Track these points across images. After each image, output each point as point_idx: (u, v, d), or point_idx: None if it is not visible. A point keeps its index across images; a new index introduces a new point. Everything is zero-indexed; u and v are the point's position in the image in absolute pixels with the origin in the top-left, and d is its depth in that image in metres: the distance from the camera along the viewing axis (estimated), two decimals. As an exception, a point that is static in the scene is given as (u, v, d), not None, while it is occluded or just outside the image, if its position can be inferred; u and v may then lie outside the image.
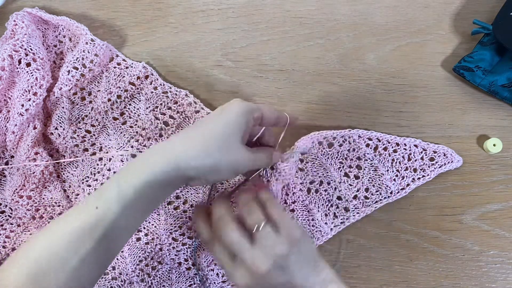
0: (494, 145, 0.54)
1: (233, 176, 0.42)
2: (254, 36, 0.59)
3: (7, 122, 0.53)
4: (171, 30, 0.59)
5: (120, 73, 0.56)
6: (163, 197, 0.41)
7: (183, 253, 0.53)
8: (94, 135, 0.56)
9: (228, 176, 0.41)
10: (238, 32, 0.59)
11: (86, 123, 0.56)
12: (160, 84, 0.56)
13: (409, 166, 0.53)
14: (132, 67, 0.57)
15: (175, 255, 0.52)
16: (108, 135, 0.56)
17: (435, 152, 0.54)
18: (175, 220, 0.53)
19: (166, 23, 0.59)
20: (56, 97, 0.54)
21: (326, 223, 0.53)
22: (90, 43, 0.55)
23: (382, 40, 0.58)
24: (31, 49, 0.53)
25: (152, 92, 0.56)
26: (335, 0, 0.59)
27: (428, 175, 0.53)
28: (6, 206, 0.54)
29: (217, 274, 0.51)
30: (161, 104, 0.56)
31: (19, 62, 0.53)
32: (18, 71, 0.53)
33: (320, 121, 0.56)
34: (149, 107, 0.56)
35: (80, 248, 0.35)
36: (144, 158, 0.38)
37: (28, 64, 0.53)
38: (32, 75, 0.53)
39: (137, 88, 0.56)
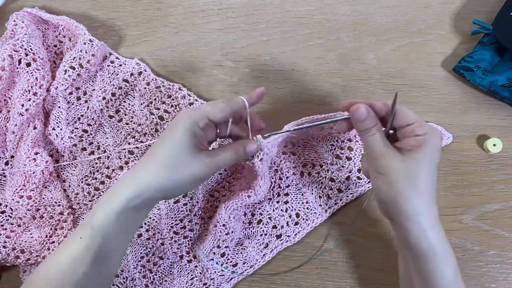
0: (494, 145, 0.54)
1: (197, 185, 0.45)
2: (254, 36, 0.59)
3: (7, 122, 0.53)
4: (171, 30, 0.59)
5: (114, 71, 0.57)
6: (140, 219, 0.45)
7: (185, 246, 0.53)
8: (91, 134, 0.56)
9: (191, 187, 0.44)
10: (238, 32, 0.59)
11: (83, 123, 0.56)
12: (152, 79, 0.56)
13: None
14: (125, 64, 0.57)
15: (177, 248, 0.53)
16: (105, 133, 0.56)
17: None
18: (176, 214, 0.53)
19: (166, 23, 0.59)
20: (52, 97, 0.55)
21: (320, 205, 0.53)
22: (88, 44, 0.55)
23: (382, 40, 0.58)
24: (31, 49, 0.53)
25: (145, 88, 0.56)
26: (335, 0, 0.59)
27: None
28: (7, 206, 0.54)
29: (217, 262, 0.52)
30: (155, 99, 0.56)
31: (19, 62, 0.53)
32: (18, 71, 0.53)
33: (320, 121, 0.56)
34: (144, 102, 0.56)
35: (73, 275, 0.40)
36: (114, 189, 0.42)
37: (28, 64, 0.53)
38: (32, 75, 0.53)
39: (131, 85, 0.56)
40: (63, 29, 0.57)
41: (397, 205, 0.40)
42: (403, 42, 0.58)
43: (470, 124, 0.56)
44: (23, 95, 0.52)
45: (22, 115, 0.52)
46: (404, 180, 0.39)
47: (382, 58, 0.57)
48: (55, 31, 0.58)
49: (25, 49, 0.53)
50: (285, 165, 0.54)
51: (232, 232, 0.50)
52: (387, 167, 0.40)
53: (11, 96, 0.54)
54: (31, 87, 0.53)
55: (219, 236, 0.50)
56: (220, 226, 0.49)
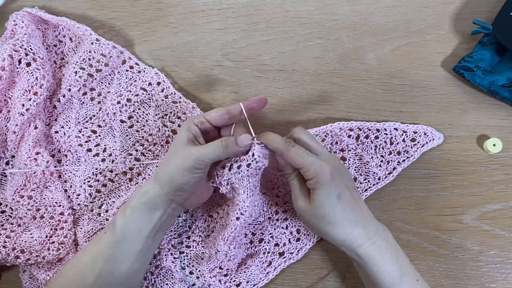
0: (494, 145, 0.54)
1: (188, 179, 0.44)
2: (254, 36, 0.59)
3: (8, 122, 0.53)
4: (171, 30, 0.59)
5: (132, 76, 0.56)
6: (152, 221, 0.46)
7: (180, 261, 0.53)
8: (99, 135, 0.56)
9: (182, 179, 0.44)
10: (238, 32, 0.59)
11: (93, 123, 0.56)
12: (172, 93, 0.56)
13: (393, 150, 0.54)
14: (144, 72, 0.56)
15: (172, 262, 0.53)
16: (114, 136, 0.56)
17: (415, 132, 0.54)
18: (175, 227, 0.53)
19: (166, 23, 0.59)
20: (67, 99, 0.55)
21: None
22: (96, 43, 0.55)
23: (382, 40, 0.58)
24: (31, 49, 0.53)
25: (163, 100, 0.56)
26: (335, 0, 0.59)
27: (412, 155, 0.54)
28: (7, 206, 0.54)
29: (220, 280, 0.51)
30: (171, 112, 0.56)
31: (19, 62, 0.53)
32: (18, 71, 0.53)
33: (320, 122, 0.56)
34: (158, 114, 0.56)
35: (94, 267, 0.44)
36: (139, 188, 0.47)
37: (28, 64, 0.53)
38: (33, 75, 0.53)
39: (148, 94, 0.56)
40: (63, 28, 0.57)
41: (323, 237, 0.47)
42: (403, 42, 0.58)
43: (470, 124, 0.56)
44: (24, 95, 0.52)
45: (22, 115, 0.52)
46: (315, 220, 0.44)
47: (382, 58, 0.57)
48: (55, 31, 0.58)
49: (25, 49, 0.53)
50: (281, 181, 0.54)
51: (234, 258, 0.50)
52: (300, 210, 0.46)
53: (11, 96, 0.54)
54: (32, 86, 0.53)
55: (221, 260, 0.50)
56: (221, 255, 0.49)
